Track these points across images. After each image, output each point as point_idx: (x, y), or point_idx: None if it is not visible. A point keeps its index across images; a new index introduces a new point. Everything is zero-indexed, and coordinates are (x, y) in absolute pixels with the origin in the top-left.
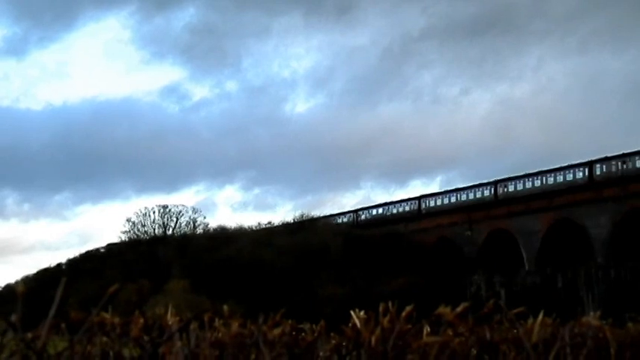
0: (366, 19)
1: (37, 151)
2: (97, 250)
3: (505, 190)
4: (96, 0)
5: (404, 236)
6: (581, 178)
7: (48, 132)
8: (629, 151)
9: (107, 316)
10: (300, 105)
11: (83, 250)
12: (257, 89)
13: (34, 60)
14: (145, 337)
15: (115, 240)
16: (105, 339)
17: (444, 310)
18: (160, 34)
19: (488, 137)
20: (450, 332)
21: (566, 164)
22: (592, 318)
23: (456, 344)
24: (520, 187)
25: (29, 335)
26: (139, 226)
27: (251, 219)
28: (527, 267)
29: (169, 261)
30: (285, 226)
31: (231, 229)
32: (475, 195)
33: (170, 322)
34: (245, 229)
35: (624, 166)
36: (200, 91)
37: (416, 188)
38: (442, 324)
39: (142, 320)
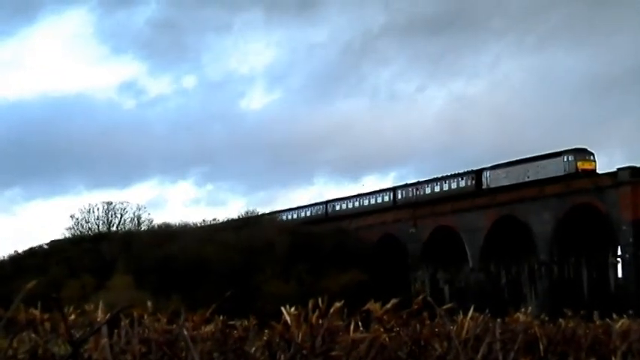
0: (328, 16)
1: None
2: (40, 246)
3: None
4: None
5: (348, 232)
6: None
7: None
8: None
9: (36, 312)
10: (257, 101)
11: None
12: (215, 85)
13: None
14: (74, 333)
15: (59, 237)
16: (34, 336)
17: (372, 306)
18: (121, 29)
19: (443, 134)
20: (380, 328)
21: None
22: (522, 314)
23: (385, 340)
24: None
25: None
26: (83, 223)
27: (203, 215)
28: (471, 264)
29: (113, 257)
30: (231, 223)
31: (175, 225)
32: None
33: (99, 318)
34: (190, 225)
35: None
36: (158, 86)
37: (369, 184)
38: (371, 320)
39: (72, 317)
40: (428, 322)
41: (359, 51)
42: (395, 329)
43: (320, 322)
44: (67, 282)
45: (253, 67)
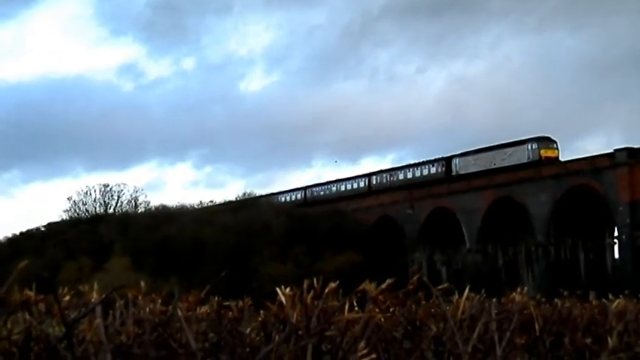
0: None
1: None
2: (38, 228)
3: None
4: None
5: (346, 214)
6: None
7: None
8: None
9: (31, 293)
10: (256, 83)
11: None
12: (215, 67)
13: None
14: (68, 314)
15: (56, 219)
16: (28, 317)
17: (367, 286)
18: (121, 10)
19: (442, 115)
20: (375, 308)
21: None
22: (518, 294)
23: (380, 320)
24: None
25: None
26: (80, 205)
27: (202, 197)
28: (468, 245)
29: (110, 239)
30: (228, 205)
31: (173, 207)
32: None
33: (93, 299)
34: (187, 207)
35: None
36: (157, 68)
37: (368, 166)
38: (367, 300)
39: (67, 297)
40: (423, 302)
41: (358, 33)
42: (390, 309)
43: (315, 302)
44: (65, 264)
45: (252, 49)
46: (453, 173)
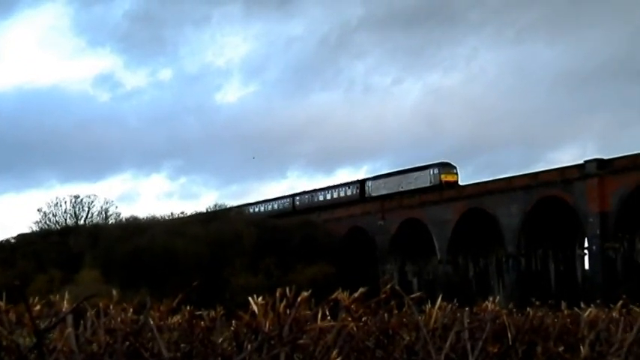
0: (306, 9)
1: None
2: (7, 240)
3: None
4: None
5: (317, 225)
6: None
7: None
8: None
9: (1, 303)
10: (232, 94)
11: None
12: (191, 78)
13: None
14: (39, 323)
15: (26, 230)
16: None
17: (340, 295)
18: (99, 21)
19: (418, 126)
20: (348, 317)
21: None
22: (491, 303)
23: (353, 329)
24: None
25: None
26: (50, 216)
27: (177, 208)
28: (439, 256)
29: (81, 251)
30: (199, 216)
31: (143, 219)
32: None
33: (64, 308)
34: (158, 219)
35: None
36: (134, 79)
37: (342, 177)
38: (339, 309)
39: (37, 307)
40: (396, 311)
41: (336, 44)
42: (363, 319)
43: (287, 311)
44: (35, 276)
45: (230, 60)
46: (367, 195)
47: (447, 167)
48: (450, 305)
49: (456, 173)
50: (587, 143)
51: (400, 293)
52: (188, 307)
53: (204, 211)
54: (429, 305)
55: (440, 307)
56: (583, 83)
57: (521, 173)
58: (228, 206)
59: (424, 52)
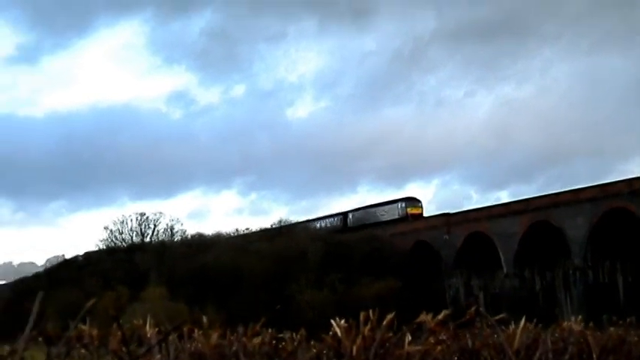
0: (380, 24)
1: (36, 158)
2: (75, 258)
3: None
4: (111, 6)
5: (382, 240)
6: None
7: (49, 139)
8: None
9: (85, 328)
10: (304, 109)
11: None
12: (264, 94)
13: (44, 67)
14: (124, 349)
15: (93, 248)
16: (83, 351)
17: (425, 317)
18: (174, 39)
19: (489, 139)
20: (431, 340)
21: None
22: (574, 323)
23: (437, 352)
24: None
25: (6, 349)
26: (117, 234)
27: (246, 224)
28: (505, 270)
29: (147, 269)
30: (264, 232)
31: (209, 236)
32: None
33: (149, 334)
34: (223, 235)
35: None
36: (207, 96)
37: (411, 191)
38: (423, 331)
39: (119, 332)
40: (477, 332)
41: (408, 58)
42: (446, 341)
43: (372, 334)
44: (102, 293)
45: (303, 75)
46: (349, 225)
47: (412, 201)
48: (531, 325)
49: (421, 207)
50: None
51: (484, 315)
52: (269, 330)
53: (269, 227)
54: (512, 325)
55: (522, 328)
56: None
57: (589, 185)
58: (292, 222)
59: (497, 64)
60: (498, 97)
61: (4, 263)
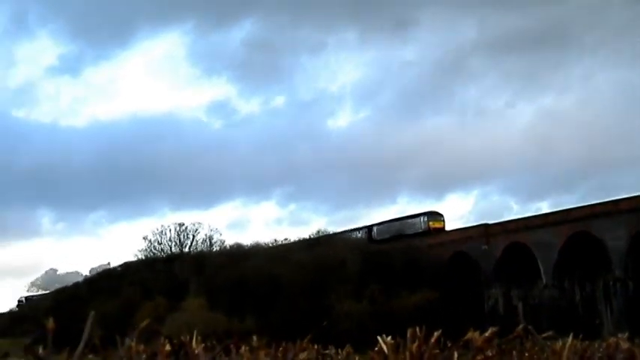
0: (421, 34)
1: (77, 168)
2: (115, 268)
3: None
4: (153, 18)
5: (421, 250)
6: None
7: (90, 149)
8: None
9: (132, 344)
10: (343, 119)
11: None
12: (305, 104)
13: (86, 77)
14: None
15: (132, 258)
16: None
17: (473, 334)
18: (215, 50)
19: (529, 149)
20: (479, 358)
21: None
22: (621, 339)
23: None
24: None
25: None
26: (156, 244)
27: (285, 235)
28: (544, 280)
29: (186, 278)
30: (302, 242)
31: (247, 246)
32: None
33: (196, 350)
34: (262, 245)
35: None
36: (247, 106)
37: (451, 202)
38: (470, 349)
39: (167, 347)
40: (522, 348)
41: (449, 68)
42: (494, 358)
43: (420, 350)
44: (141, 303)
45: (343, 85)
46: (373, 237)
47: (434, 215)
48: (577, 342)
49: (443, 221)
50: None
51: (532, 332)
52: (315, 346)
53: (307, 237)
54: (559, 342)
55: (567, 344)
56: None
57: (629, 195)
58: (330, 232)
59: (538, 74)
60: (539, 108)
61: (49, 271)
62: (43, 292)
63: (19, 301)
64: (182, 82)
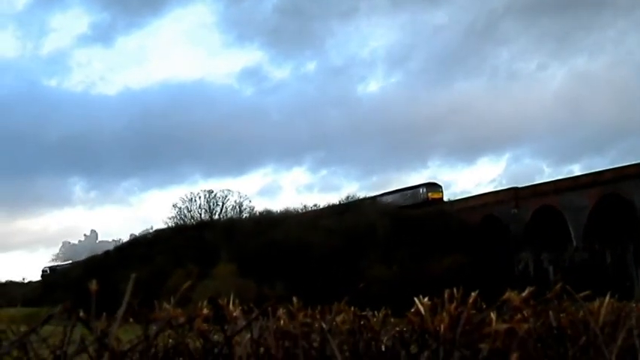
0: None
1: (109, 137)
2: (145, 236)
3: None
4: None
5: (450, 215)
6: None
7: (121, 117)
8: None
9: (170, 309)
10: (375, 85)
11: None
12: (335, 70)
13: (118, 46)
14: (214, 329)
15: (162, 226)
16: (170, 332)
17: (510, 294)
18: (247, 17)
19: (561, 112)
20: (519, 318)
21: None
22: None
23: (524, 330)
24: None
25: (98, 330)
26: (185, 212)
27: (316, 200)
28: (575, 243)
29: (216, 246)
30: (332, 209)
31: (277, 212)
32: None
33: (234, 314)
34: (291, 212)
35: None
36: (279, 73)
37: (483, 166)
38: (507, 309)
39: (205, 312)
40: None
41: (481, 32)
42: (529, 318)
43: (457, 312)
44: (172, 271)
45: (374, 50)
46: None
47: (433, 187)
48: (615, 301)
49: (441, 191)
50: None
51: (570, 291)
52: (352, 308)
53: (337, 203)
54: (596, 302)
55: (603, 304)
56: None
57: None
58: (360, 197)
59: (570, 37)
60: (571, 70)
61: (83, 239)
62: (65, 262)
63: (43, 271)
64: (214, 50)
